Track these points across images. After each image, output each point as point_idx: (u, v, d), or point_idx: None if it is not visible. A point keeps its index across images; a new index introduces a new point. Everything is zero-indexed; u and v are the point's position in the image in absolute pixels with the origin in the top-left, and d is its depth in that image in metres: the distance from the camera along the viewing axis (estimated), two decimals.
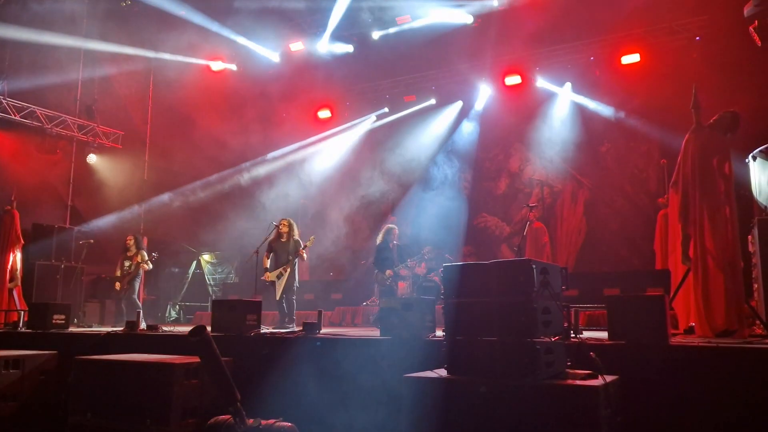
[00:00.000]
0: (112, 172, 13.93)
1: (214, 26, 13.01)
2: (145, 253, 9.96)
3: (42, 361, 6.31)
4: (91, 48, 12.83)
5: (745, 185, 6.27)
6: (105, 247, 12.61)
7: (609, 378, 3.63)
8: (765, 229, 5.56)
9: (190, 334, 4.03)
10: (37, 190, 12.23)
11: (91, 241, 11.81)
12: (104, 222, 13.14)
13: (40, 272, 10.95)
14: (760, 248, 5.54)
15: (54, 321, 7.67)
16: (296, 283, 8.77)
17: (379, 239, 9.68)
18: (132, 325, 7.39)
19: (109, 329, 7.92)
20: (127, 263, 9.90)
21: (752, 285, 5.83)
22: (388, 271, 9.37)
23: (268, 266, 8.75)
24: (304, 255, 8.68)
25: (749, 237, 5.91)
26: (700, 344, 4.45)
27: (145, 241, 10.93)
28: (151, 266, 10.08)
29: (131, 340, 6.85)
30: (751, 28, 8.47)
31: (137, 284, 10.00)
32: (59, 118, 12.88)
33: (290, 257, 8.62)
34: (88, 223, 12.90)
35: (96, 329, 8.56)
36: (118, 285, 9.86)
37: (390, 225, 10.01)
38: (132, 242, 10.05)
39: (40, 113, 12.47)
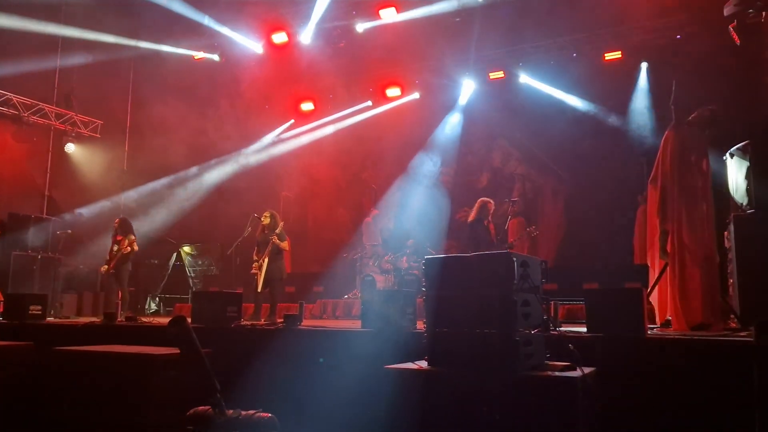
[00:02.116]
0: (90, 162, 13.73)
1: (196, 15, 12.85)
2: (132, 236, 9.44)
3: (18, 353, 6.21)
4: (69, 35, 12.58)
5: (722, 182, 6.37)
6: (82, 238, 12.43)
7: (587, 369, 3.68)
8: (741, 225, 5.65)
9: (170, 325, 4.00)
10: (13, 180, 12.02)
11: (69, 231, 11.63)
12: (82, 212, 12.95)
13: (17, 263, 10.74)
14: (735, 244, 5.63)
15: (30, 312, 7.57)
16: (282, 274, 8.62)
17: (471, 215, 8.48)
18: (110, 316, 7.32)
19: (87, 320, 7.83)
20: (115, 248, 9.50)
21: (728, 280, 5.93)
22: None
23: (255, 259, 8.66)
24: (280, 244, 8.55)
25: (725, 233, 6.00)
26: (676, 337, 4.53)
27: None
28: (134, 248, 9.59)
29: (109, 331, 6.79)
30: (730, 27, 8.56)
31: (124, 272, 9.34)
32: (36, 106, 12.65)
33: (268, 248, 8.55)
34: (65, 214, 12.70)
35: (73, 320, 8.45)
36: (103, 268, 9.40)
37: (485, 199, 8.63)
38: (117, 225, 9.58)
39: (17, 101, 12.24)
